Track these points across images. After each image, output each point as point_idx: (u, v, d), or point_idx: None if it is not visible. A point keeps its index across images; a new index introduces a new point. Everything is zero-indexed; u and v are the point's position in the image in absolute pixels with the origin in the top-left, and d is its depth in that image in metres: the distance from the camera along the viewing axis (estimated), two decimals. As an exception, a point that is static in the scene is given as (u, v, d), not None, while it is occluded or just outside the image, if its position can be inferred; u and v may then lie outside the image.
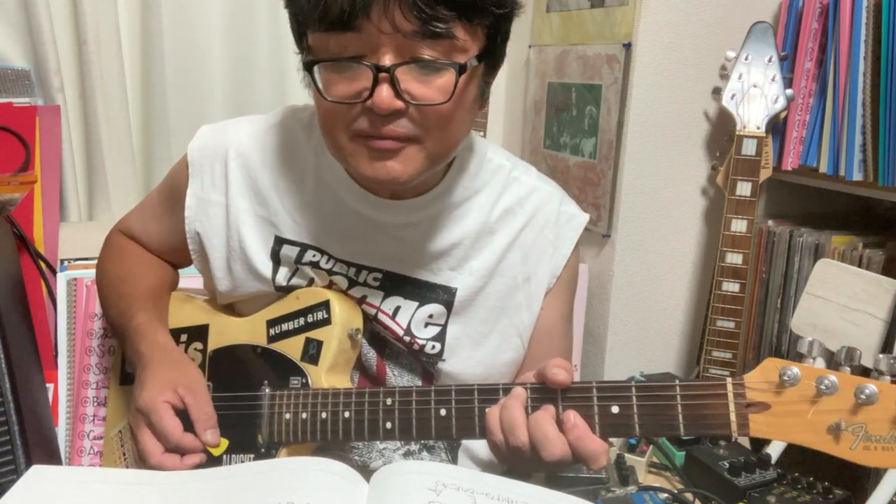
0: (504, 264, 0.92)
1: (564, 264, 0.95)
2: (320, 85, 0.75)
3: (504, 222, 0.92)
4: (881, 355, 0.66)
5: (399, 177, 0.77)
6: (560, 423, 0.72)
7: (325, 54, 0.74)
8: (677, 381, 0.70)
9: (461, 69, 0.73)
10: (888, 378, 0.65)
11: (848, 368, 0.67)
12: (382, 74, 0.71)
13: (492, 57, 0.79)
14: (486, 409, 0.75)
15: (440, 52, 0.72)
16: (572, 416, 0.71)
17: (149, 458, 0.81)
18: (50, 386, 1.19)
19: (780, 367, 0.66)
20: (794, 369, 0.66)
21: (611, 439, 0.77)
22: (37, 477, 0.72)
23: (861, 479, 1.33)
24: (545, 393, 0.74)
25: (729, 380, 0.68)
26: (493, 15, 0.75)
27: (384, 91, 0.71)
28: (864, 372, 0.96)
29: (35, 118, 1.54)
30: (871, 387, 0.62)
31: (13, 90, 1.62)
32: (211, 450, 0.84)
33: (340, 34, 0.71)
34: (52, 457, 1.05)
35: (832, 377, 0.64)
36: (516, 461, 0.75)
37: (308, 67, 0.75)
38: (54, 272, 1.46)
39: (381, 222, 0.89)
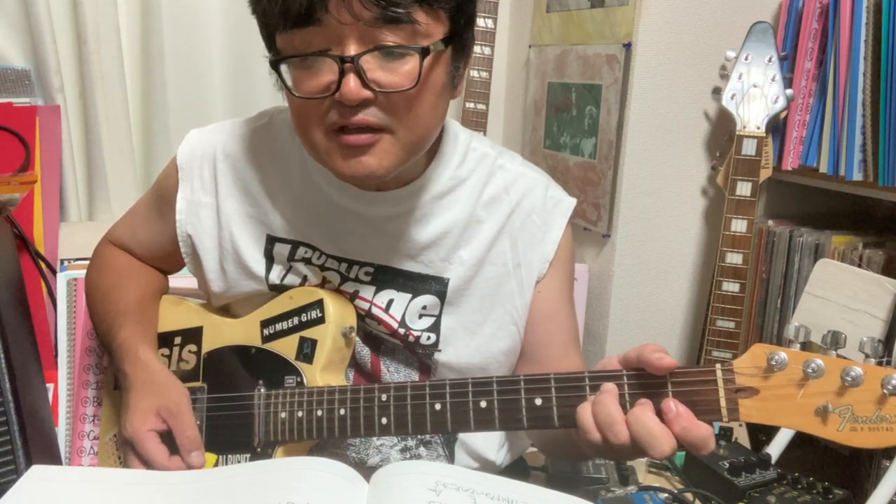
0: (493, 252, 0.92)
1: (555, 249, 0.95)
2: (289, 83, 0.77)
3: (491, 210, 0.92)
4: (865, 338, 0.67)
5: (375, 171, 0.78)
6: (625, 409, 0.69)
7: (290, 52, 0.75)
8: None
9: (424, 52, 0.74)
10: (873, 361, 0.65)
11: (834, 353, 0.67)
12: (347, 65, 0.72)
13: (458, 41, 0.80)
14: (577, 407, 0.71)
15: (402, 37, 0.73)
16: (673, 405, 0.68)
17: None
18: (50, 386, 1.18)
19: (768, 352, 0.67)
20: (782, 354, 0.66)
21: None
22: (37, 477, 0.72)
23: (861, 479, 1.33)
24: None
25: (718, 366, 0.69)
26: None
27: (351, 82, 0.72)
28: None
29: (35, 118, 1.54)
30: (856, 369, 0.63)
31: (13, 90, 1.62)
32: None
33: (303, 30, 0.73)
34: (52, 457, 1.05)
35: (819, 361, 0.65)
36: (617, 458, 0.73)
37: (275, 66, 0.76)
38: (54, 272, 1.46)
39: (367, 216, 0.90)
